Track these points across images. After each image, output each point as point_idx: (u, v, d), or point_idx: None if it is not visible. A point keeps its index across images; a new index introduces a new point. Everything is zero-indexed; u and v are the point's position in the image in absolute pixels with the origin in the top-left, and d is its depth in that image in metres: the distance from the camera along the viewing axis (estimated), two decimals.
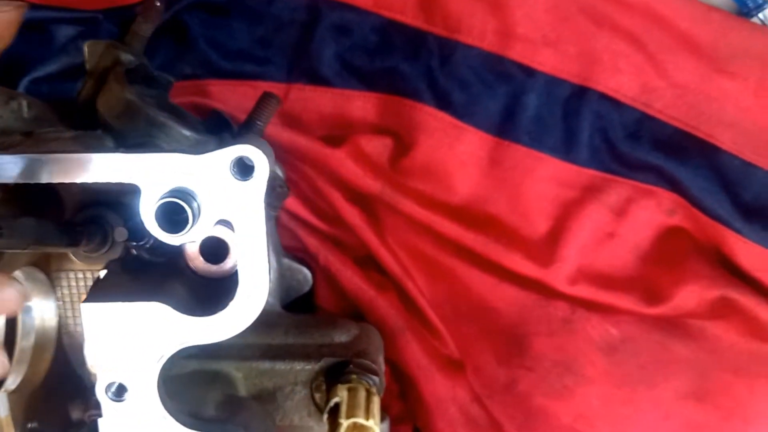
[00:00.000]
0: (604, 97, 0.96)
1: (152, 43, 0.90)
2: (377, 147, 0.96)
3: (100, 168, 0.57)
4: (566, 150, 0.97)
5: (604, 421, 0.99)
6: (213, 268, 0.68)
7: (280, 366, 0.80)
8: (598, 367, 0.99)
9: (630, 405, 0.98)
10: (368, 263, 0.98)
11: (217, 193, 0.58)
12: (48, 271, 0.82)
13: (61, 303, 0.84)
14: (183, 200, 0.57)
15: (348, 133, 0.97)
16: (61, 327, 0.84)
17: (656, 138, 0.97)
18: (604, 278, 0.97)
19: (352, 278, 0.94)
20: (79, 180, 0.57)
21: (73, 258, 0.81)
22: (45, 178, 0.57)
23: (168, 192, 0.57)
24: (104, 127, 0.79)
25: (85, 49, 0.84)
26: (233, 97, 0.97)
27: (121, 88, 0.78)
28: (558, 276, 0.95)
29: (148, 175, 0.57)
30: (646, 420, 0.99)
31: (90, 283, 0.83)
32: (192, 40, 0.97)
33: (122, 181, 0.57)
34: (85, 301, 0.61)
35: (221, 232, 0.67)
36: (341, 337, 0.84)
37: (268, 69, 0.98)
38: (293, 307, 0.94)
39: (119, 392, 0.63)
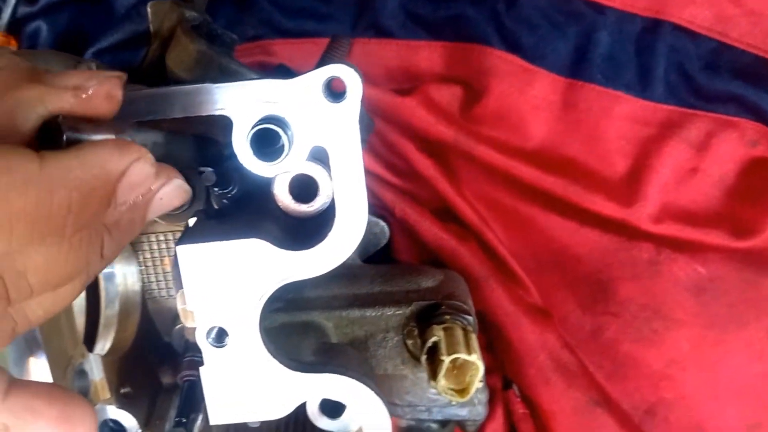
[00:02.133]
0: (678, 29, 0.93)
1: (214, 7, 0.90)
2: (447, 96, 0.95)
3: (189, 101, 0.56)
4: (642, 87, 0.94)
5: (696, 365, 0.96)
6: (303, 207, 0.66)
7: (370, 313, 0.78)
8: (687, 309, 0.95)
9: (721, 346, 0.95)
10: (445, 215, 0.96)
11: (310, 119, 0.56)
12: None
13: (143, 268, 0.83)
14: (276, 126, 0.55)
15: (416, 85, 0.95)
16: (145, 292, 0.84)
17: (735, 67, 0.93)
18: (689, 215, 0.94)
19: (431, 229, 0.92)
20: (170, 115, 0.56)
21: (155, 219, 0.80)
22: (142, 116, 0.56)
23: (260, 119, 0.55)
24: (176, 82, 0.78)
25: (149, 9, 0.84)
26: (298, 55, 0.96)
27: (190, 40, 0.77)
28: (641, 215, 0.92)
29: (238, 104, 0.55)
30: (738, 361, 0.95)
31: (172, 245, 0.82)
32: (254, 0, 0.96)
33: (213, 113, 0.56)
34: (179, 242, 0.60)
35: (311, 170, 0.65)
36: (428, 282, 0.82)
37: (330, 25, 0.97)
38: (370, 261, 0.92)
39: (220, 337, 0.62)
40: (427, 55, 0.96)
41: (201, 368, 0.63)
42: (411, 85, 0.96)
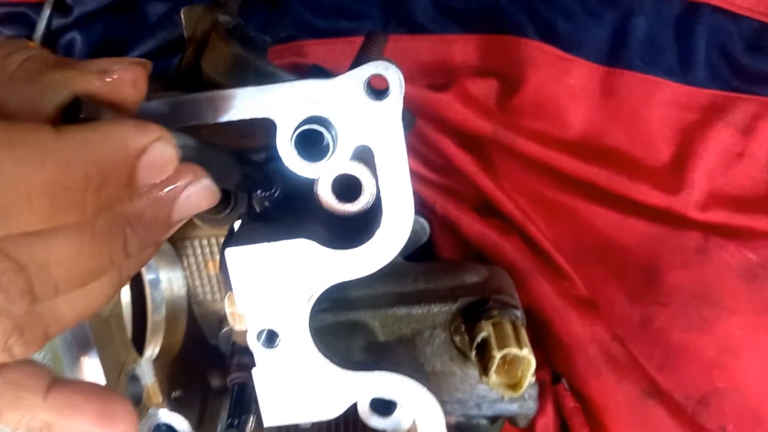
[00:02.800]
0: (718, 10, 0.91)
1: (246, 10, 0.90)
2: (483, 89, 0.94)
3: (233, 105, 0.56)
4: (683, 71, 0.92)
5: (750, 352, 0.94)
6: (347, 207, 0.66)
7: (417, 310, 0.78)
8: (738, 296, 0.93)
9: None
10: (486, 210, 0.95)
11: (352, 118, 0.55)
12: (172, 241, 0.82)
13: (188, 273, 0.84)
14: (321, 126, 0.55)
15: (451, 80, 0.94)
16: (191, 297, 0.84)
17: None
18: (737, 201, 0.92)
19: (473, 224, 0.91)
20: (213, 120, 0.56)
21: (197, 224, 0.80)
22: (185, 121, 0.56)
23: (304, 120, 0.55)
24: (215, 89, 0.78)
25: (182, 15, 0.84)
26: (331, 55, 0.96)
27: (225, 44, 0.77)
28: (688, 202, 0.91)
29: (281, 106, 0.55)
30: None
31: (216, 249, 0.82)
32: (286, 1, 0.96)
33: (256, 116, 0.56)
34: (226, 245, 0.60)
35: (354, 169, 0.65)
36: (472, 278, 0.82)
37: (362, 23, 0.97)
38: (411, 259, 0.92)
39: (271, 339, 0.62)
40: (462, 48, 0.96)
41: (253, 370, 0.63)
42: (446, 79, 0.95)
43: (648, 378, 0.91)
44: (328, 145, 0.56)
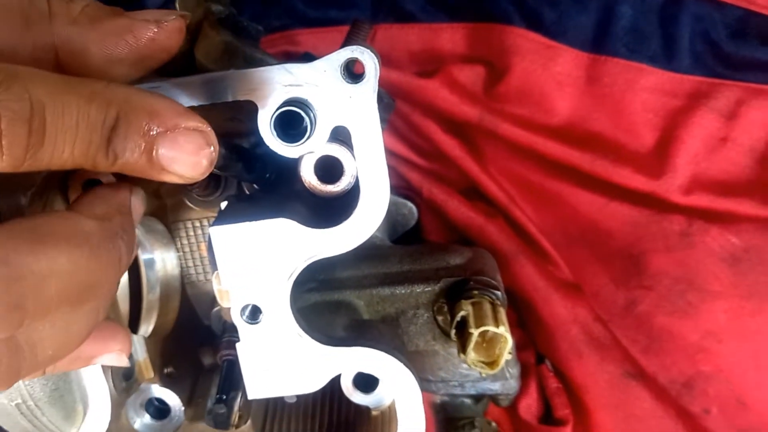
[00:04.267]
0: None
1: (239, 1, 0.92)
2: (470, 76, 0.96)
3: (215, 88, 0.58)
4: (667, 58, 0.94)
5: (733, 336, 0.95)
6: (329, 188, 0.68)
7: (400, 290, 0.80)
8: (722, 280, 0.95)
9: (760, 316, 0.94)
10: (472, 194, 0.97)
11: (330, 100, 0.58)
12: (166, 223, 0.85)
13: (181, 254, 0.86)
14: (299, 108, 0.57)
15: (439, 67, 0.96)
16: (184, 277, 0.87)
17: (763, 34, 0.92)
18: (720, 185, 0.93)
19: (458, 208, 0.93)
20: (200, 102, 0.58)
21: (190, 205, 0.83)
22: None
23: (283, 102, 0.57)
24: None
25: (177, 5, 0.87)
26: (322, 43, 0.98)
27: (216, 33, 0.80)
28: (671, 186, 0.92)
29: (262, 89, 0.57)
30: None
31: (207, 231, 0.85)
32: None
33: (238, 98, 0.58)
34: (213, 224, 0.62)
35: (335, 151, 0.67)
36: (456, 259, 0.84)
37: (352, 12, 0.99)
38: (400, 242, 0.94)
39: (254, 314, 0.65)
40: (449, 36, 0.98)
41: (237, 345, 0.66)
42: (434, 67, 0.97)
43: (631, 360, 0.93)
44: (306, 126, 0.58)
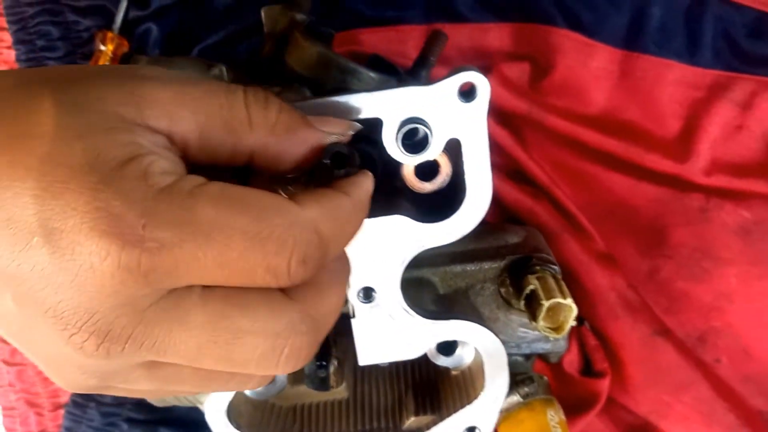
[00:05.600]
0: (724, 1, 1.04)
1: None
2: (517, 72, 1.06)
3: (350, 108, 0.68)
4: (691, 54, 1.06)
5: (742, 297, 1.09)
6: (427, 185, 0.80)
7: (471, 267, 0.92)
8: (733, 249, 1.09)
9: (766, 279, 1.09)
10: (515, 177, 1.09)
11: (446, 116, 0.69)
12: None
13: None
14: (420, 124, 0.68)
15: (488, 63, 1.07)
16: None
17: None
18: (735, 167, 1.06)
19: (510, 192, 1.05)
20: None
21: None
22: None
23: (407, 119, 0.68)
24: (299, 80, 0.90)
25: (263, 14, 0.96)
26: (381, 42, 1.08)
27: (311, 44, 0.89)
28: (694, 169, 1.05)
29: (388, 109, 0.68)
30: None
31: None
32: None
33: (369, 117, 0.68)
34: None
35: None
36: (513, 238, 0.96)
37: (407, 12, 1.08)
38: None
39: (368, 294, 0.76)
40: (497, 35, 1.08)
41: (352, 320, 0.78)
42: (481, 63, 1.08)
43: (657, 320, 1.07)
44: (422, 137, 0.69)
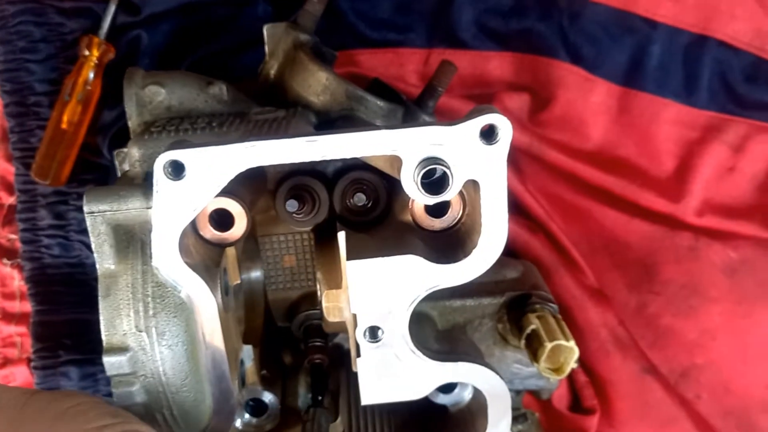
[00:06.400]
0: (722, 44, 1.06)
1: None
2: (517, 103, 1.06)
3: (369, 143, 0.66)
4: (687, 94, 1.07)
5: (726, 334, 1.11)
6: (436, 222, 0.78)
7: (470, 302, 0.90)
8: (720, 287, 1.10)
9: (749, 318, 1.10)
10: (512, 210, 1.08)
11: (466, 157, 0.66)
12: (255, 236, 0.91)
13: (265, 264, 0.93)
14: (440, 164, 0.66)
15: (486, 92, 1.06)
16: (265, 285, 0.94)
17: None
18: (725, 208, 1.08)
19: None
20: (352, 155, 0.66)
21: (280, 221, 0.89)
22: (320, 155, 0.66)
23: (427, 159, 0.66)
24: (303, 104, 0.88)
25: (265, 32, 0.92)
26: (380, 64, 1.06)
27: (318, 68, 0.87)
28: (686, 209, 1.06)
29: (408, 146, 0.66)
30: (764, 331, 1.11)
31: (291, 244, 0.92)
32: (341, 13, 1.05)
33: (386, 153, 0.66)
34: (348, 259, 0.71)
35: None
36: (511, 273, 0.95)
37: (409, 36, 1.07)
38: None
39: (374, 334, 0.74)
40: (498, 64, 1.07)
41: (358, 359, 0.75)
42: (482, 91, 1.07)
43: (645, 356, 1.07)
44: (443, 178, 0.67)
